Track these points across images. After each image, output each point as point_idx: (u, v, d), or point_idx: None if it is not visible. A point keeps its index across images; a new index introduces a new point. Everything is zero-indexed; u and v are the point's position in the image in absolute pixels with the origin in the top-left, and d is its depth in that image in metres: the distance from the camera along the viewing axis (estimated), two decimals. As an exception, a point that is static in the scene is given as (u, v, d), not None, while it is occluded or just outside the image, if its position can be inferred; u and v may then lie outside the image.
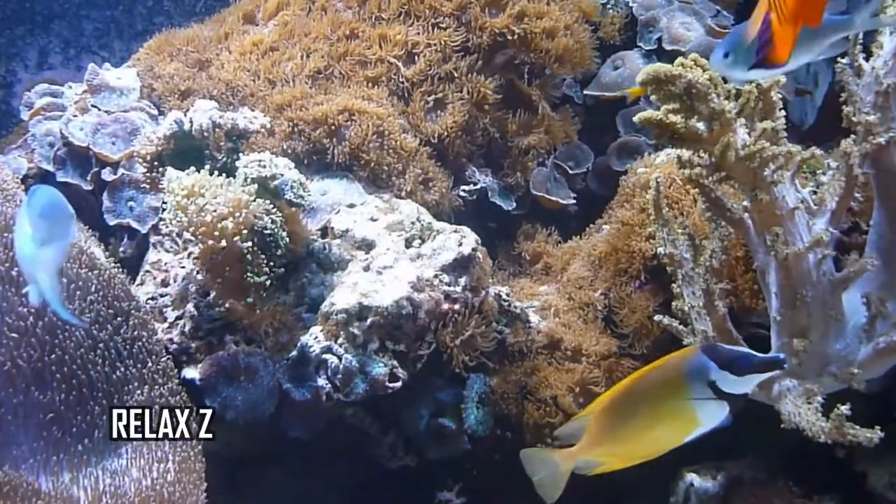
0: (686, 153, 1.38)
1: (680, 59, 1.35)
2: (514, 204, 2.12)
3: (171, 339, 1.66)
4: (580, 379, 1.78)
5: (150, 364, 1.50)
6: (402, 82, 2.04)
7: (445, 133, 2.02)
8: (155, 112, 2.05)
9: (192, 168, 1.60)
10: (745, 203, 1.42)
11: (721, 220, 1.48)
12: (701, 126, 1.34)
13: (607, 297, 1.87)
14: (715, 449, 1.78)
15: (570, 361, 1.81)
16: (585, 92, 2.33)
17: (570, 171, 2.24)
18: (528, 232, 2.15)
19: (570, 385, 1.77)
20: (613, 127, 2.31)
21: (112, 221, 1.91)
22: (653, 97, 1.32)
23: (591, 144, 2.31)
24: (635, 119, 1.33)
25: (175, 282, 1.76)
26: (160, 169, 1.68)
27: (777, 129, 1.37)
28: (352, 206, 1.87)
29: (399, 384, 1.66)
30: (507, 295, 1.82)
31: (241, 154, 1.71)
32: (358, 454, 1.79)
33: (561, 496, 1.89)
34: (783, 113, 1.40)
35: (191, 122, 1.67)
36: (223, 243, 1.52)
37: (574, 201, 2.20)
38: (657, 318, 1.55)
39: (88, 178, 1.93)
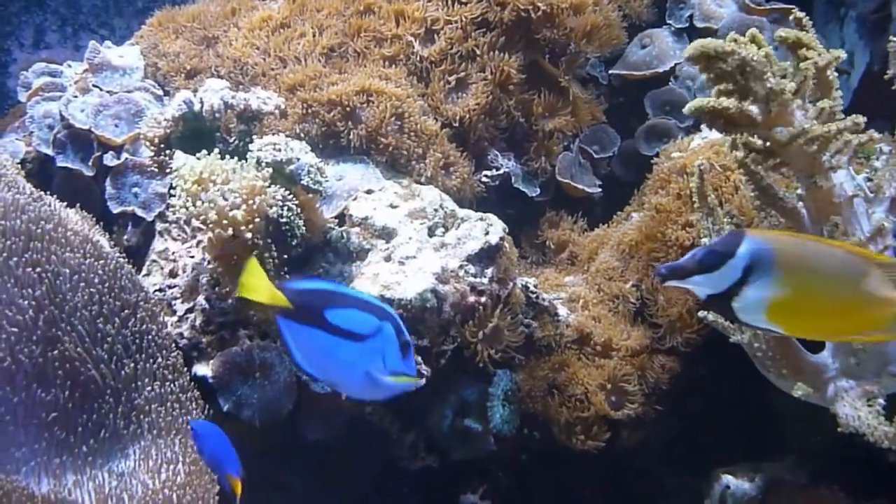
0: (740, 137, 1.28)
1: (733, 34, 1.25)
2: (538, 190, 2.02)
3: (180, 334, 1.56)
4: (611, 375, 1.69)
5: (159, 359, 1.40)
6: (420, 61, 1.94)
7: (467, 115, 1.92)
8: (160, 92, 1.94)
9: (203, 152, 1.49)
10: (798, 191, 1.33)
11: (771, 210, 1.38)
12: (755, 109, 1.23)
13: (639, 288, 1.78)
14: (745, 450, 1.70)
15: (600, 357, 1.72)
16: (611, 71, 2.23)
17: (596, 156, 2.14)
18: (553, 219, 2.05)
19: (602, 382, 1.68)
20: (639, 109, 2.21)
21: (116, 209, 1.81)
22: (703, 76, 1.22)
23: (615, 127, 2.21)
24: (685, 110, 1.23)
25: (184, 272, 1.65)
26: (168, 152, 1.57)
27: (835, 111, 1.27)
28: (370, 191, 1.77)
29: (423, 381, 1.56)
30: (535, 286, 1.73)
31: (253, 137, 1.60)
32: (377, 454, 1.70)
33: (592, 497, 1.82)
34: (840, 93, 1.30)
35: (201, 102, 1.56)
36: (230, 231, 1.42)
37: (600, 190, 2.10)
38: (701, 314, 1.46)
39: (90, 162, 1.82)
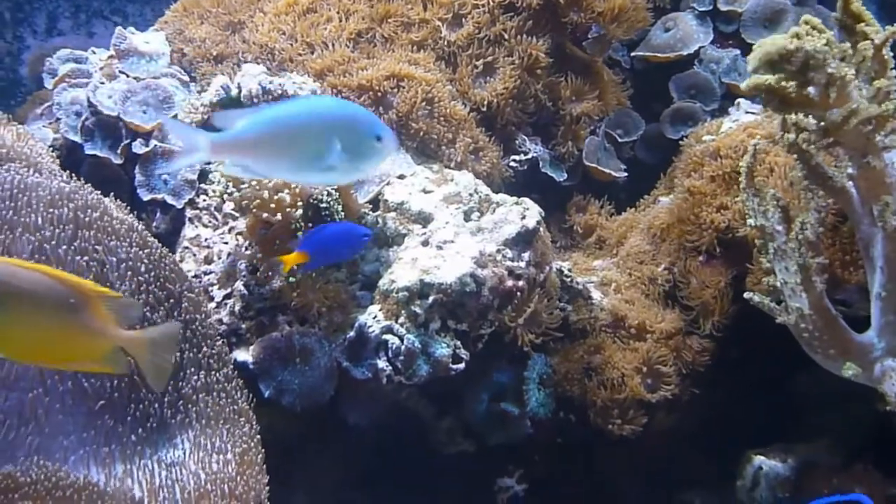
0: (793, 117, 1.28)
1: (794, 30, 1.25)
2: (566, 175, 2.02)
3: (220, 320, 1.56)
4: (646, 358, 1.69)
5: (204, 348, 1.39)
6: (448, 46, 1.93)
7: (495, 100, 1.91)
8: (186, 78, 1.92)
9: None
10: (849, 171, 1.33)
11: (819, 190, 1.38)
12: (813, 91, 1.24)
13: (671, 271, 1.78)
14: (778, 433, 1.71)
15: (634, 340, 1.73)
16: (635, 53, 2.22)
17: (620, 140, 2.14)
18: (580, 204, 2.05)
19: (637, 365, 1.68)
20: (661, 92, 2.21)
21: (146, 196, 1.79)
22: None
23: (637, 111, 2.21)
24: (743, 86, 1.23)
25: (219, 258, 1.65)
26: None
27: (890, 90, 1.28)
28: (402, 177, 1.76)
29: (462, 366, 1.56)
30: (569, 270, 1.73)
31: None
32: (415, 440, 1.71)
33: (622, 481, 1.83)
34: (895, 72, 1.30)
35: (238, 88, 1.55)
36: (279, 216, 1.42)
37: (625, 174, 2.10)
38: (747, 295, 1.46)
39: (119, 150, 1.81)
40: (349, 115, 1.18)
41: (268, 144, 1.13)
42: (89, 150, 1.81)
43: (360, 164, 1.17)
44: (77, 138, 1.81)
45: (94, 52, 1.94)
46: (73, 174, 1.64)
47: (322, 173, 1.18)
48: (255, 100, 1.55)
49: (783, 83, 1.20)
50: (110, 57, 1.89)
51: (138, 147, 1.80)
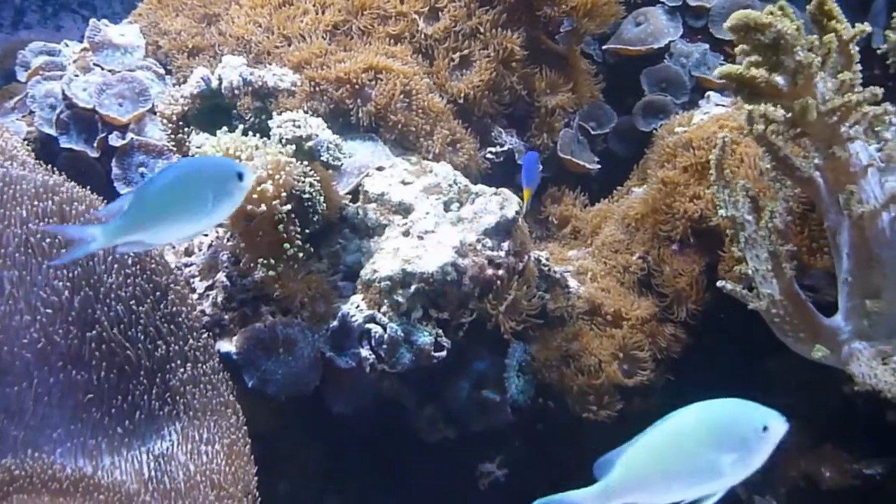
0: (758, 109, 1.33)
1: (769, 7, 1.30)
2: (541, 166, 2.05)
3: (202, 311, 1.57)
4: (622, 344, 1.73)
5: (191, 341, 1.40)
6: (425, 39, 1.95)
7: (471, 92, 1.94)
8: (162, 71, 1.92)
9: (224, 129, 1.48)
10: (815, 161, 1.38)
11: (786, 180, 1.43)
12: (781, 81, 1.29)
13: (645, 260, 1.82)
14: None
15: (611, 327, 1.77)
16: (606, 46, 2.26)
17: (593, 132, 2.18)
18: (555, 195, 2.09)
19: (614, 351, 1.72)
20: (633, 86, 2.25)
21: (123, 190, 1.79)
22: (737, 48, 1.27)
23: (610, 104, 2.24)
24: (716, 73, 1.27)
25: (200, 250, 1.65)
26: (186, 130, 1.56)
27: (854, 83, 1.33)
28: (380, 168, 1.78)
29: (444, 353, 1.59)
30: (547, 260, 1.76)
31: (272, 114, 1.60)
32: (394, 427, 1.73)
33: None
34: (859, 66, 1.35)
35: (219, 79, 1.55)
36: (263, 207, 1.43)
37: (598, 166, 2.14)
38: (719, 283, 1.50)
39: (95, 144, 1.80)
40: (734, 418, 1.09)
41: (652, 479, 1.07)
42: (65, 143, 1.80)
43: (752, 462, 1.07)
44: (52, 131, 1.80)
45: (67, 45, 1.92)
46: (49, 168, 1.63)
47: (706, 482, 1.07)
48: (237, 91, 1.55)
49: (752, 71, 1.25)
50: (84, 49, 1.88)
51: (115, 140, 1.80)
